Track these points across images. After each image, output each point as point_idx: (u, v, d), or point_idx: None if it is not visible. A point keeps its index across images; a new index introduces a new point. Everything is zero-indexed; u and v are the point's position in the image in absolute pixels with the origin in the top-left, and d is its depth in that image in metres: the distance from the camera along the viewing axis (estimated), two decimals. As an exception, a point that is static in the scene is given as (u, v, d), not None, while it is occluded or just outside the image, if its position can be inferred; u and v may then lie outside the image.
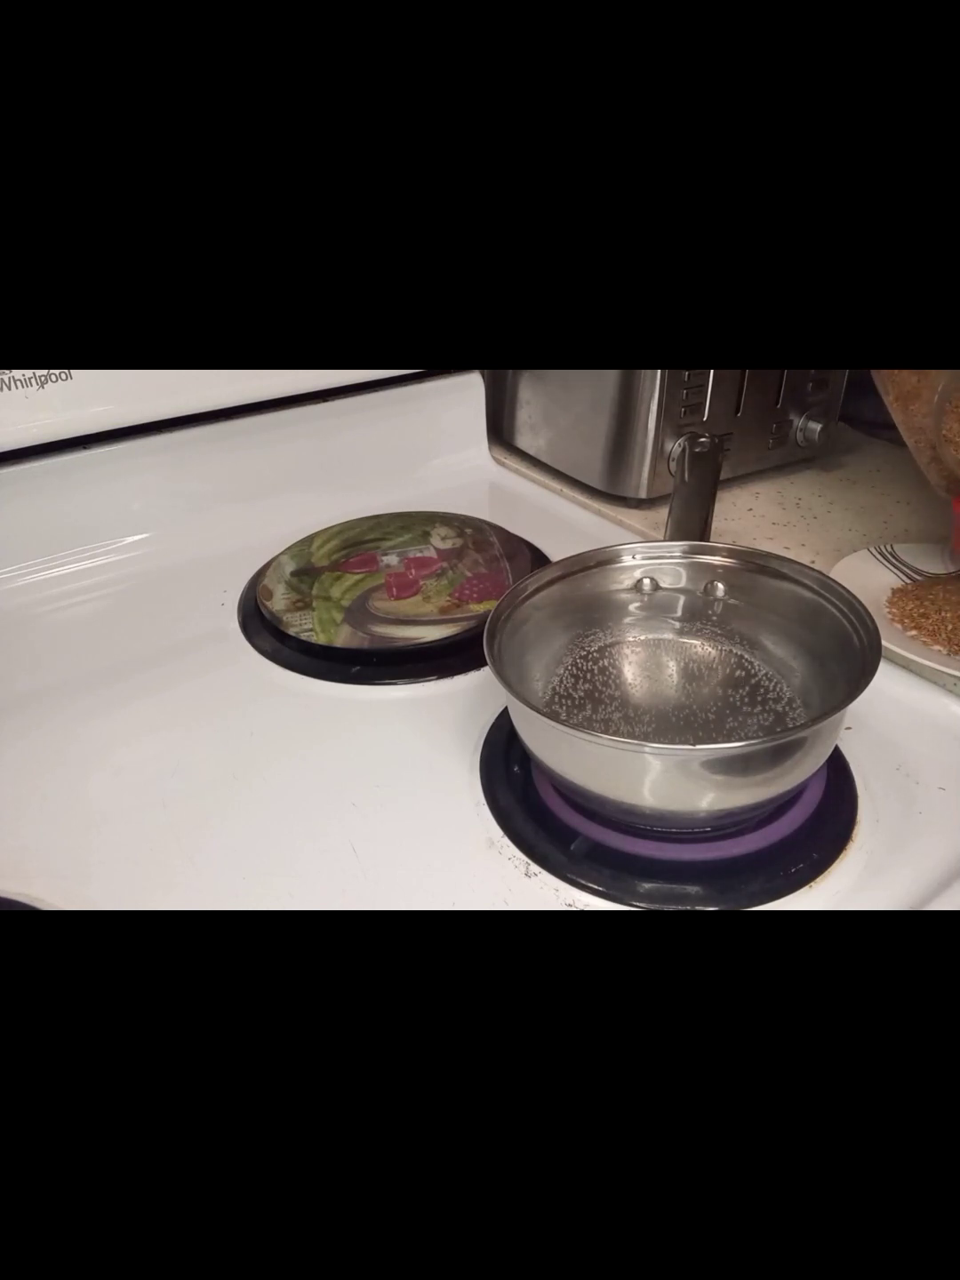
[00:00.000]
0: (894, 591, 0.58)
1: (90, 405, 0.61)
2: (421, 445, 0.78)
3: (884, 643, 0.41)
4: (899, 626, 0.54)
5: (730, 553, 0.49)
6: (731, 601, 0.49)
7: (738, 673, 0.47)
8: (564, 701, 0.47)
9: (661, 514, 0.66)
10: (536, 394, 0.77)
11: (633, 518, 0.71)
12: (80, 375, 0.60)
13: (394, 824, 0.44)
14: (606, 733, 0.43)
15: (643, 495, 0.71)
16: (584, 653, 0.49)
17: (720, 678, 0.48)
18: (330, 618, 0.58)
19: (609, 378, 0.69)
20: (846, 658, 0.42)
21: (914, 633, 0.54)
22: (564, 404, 0.75)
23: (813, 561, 0.55)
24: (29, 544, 0.64)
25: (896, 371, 0.59)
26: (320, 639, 0.56)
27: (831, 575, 0.45)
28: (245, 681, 0.54)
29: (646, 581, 0.49)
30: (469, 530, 0.68)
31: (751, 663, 0.47)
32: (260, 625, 0.59)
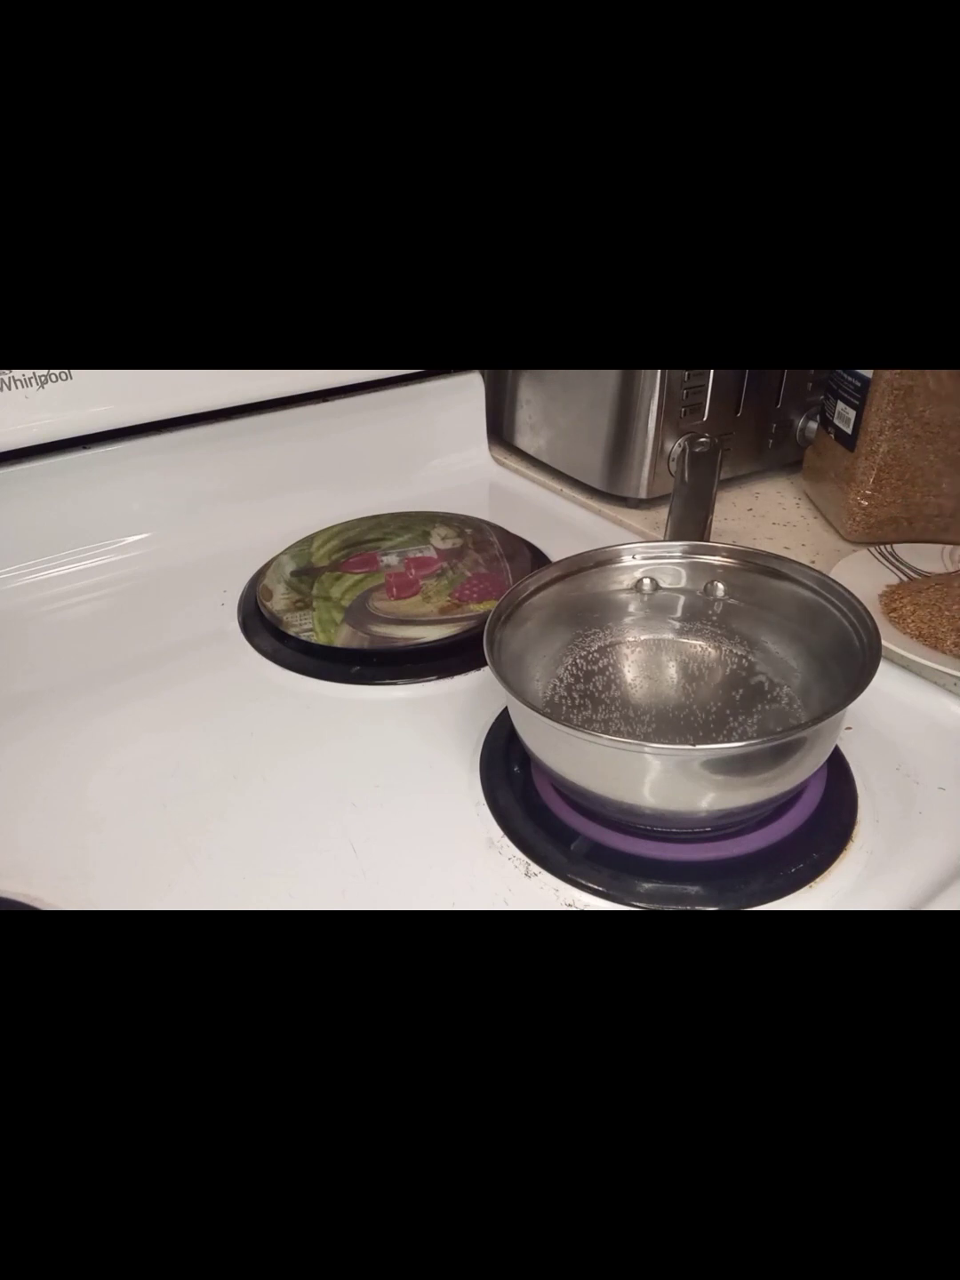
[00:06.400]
0: (894, 591, 0.57)
1: (90, 405, 0.61)
2: (421, 445, 0.78)
3: (884, 643, 0.41)
4: (899, 626, 0.54)
5: (730, 553, 0.49)
6: (731, 601, 0.48)
7: (738, 673, 0.47)
8: (564, 701, 0.47)
9: (661, 514, 0.66)
10: (536, 394, 0.77)
11: (633, 518, 0.71)
12: (80, 375, 0.60)
13: (394, 824, 0.44)
14: (606, 733, 0.43)
15: (643, 495, 0.71)
16: (584, 653, 0.49)
17: (720, 678, 0.48)
18: (330, 618, 0.58)
19: (609, 378, 0.69)
20: (846, 658, 0.42)
21: (914, 632, 0.53)
22: (564, 404, 0.75)
23: (813, 561, 0.55)
24: (29, 544, 0.64)
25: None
26: (320, 639, 0.56)
27: (831, 575, 0.45)
28: (245, 681, 0.54)
29: (646, 581, 0.49)
30: (469, 530, 0.68)
31: (751, 663, 0.47)
32: (260, 625, 0.59)
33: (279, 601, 0.60)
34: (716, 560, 0.49)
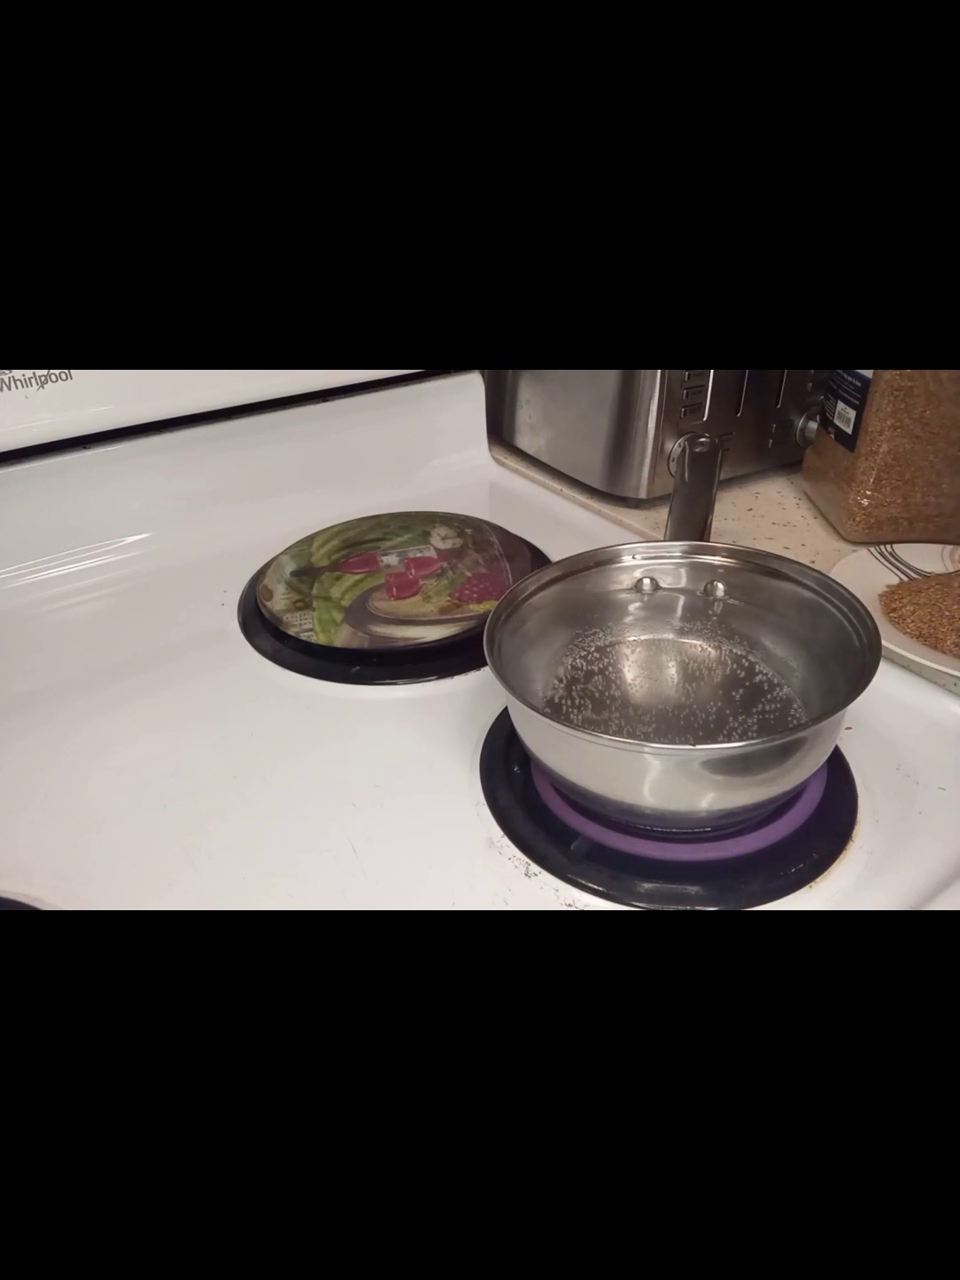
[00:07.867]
0: (894, 591, 0.58)
1: (90, 405, 0.61)
2: (421, 445, 0.78)
3: (884, 643, 0.41)
4: (899, 626, 0.54)
5: (730, 553, 0.49)
6: (731, 601, 0.48)
7: (738, 673, 0.47)
8: (564, 701, 0.47)
9: (661, 514, 0.66)
10: (536, 394, 0.77)
11: (633, 518, 0.71)
12: (80, 375, 0.60)
13: (394, 824, 0.44)
14: (606, 733, 0.43)
15: (643, 495, 0.71)
16: (584, 653, 0.49)
17: (720, 678, 0.48)
18: (330, 618, 0.58)
19: (609, 378, 0.69)
20: (846, 658, 0.42)
21: (914, 632, 0.54)
22: (564, 404, 0.75)
23: (813, 561, 0.55)
24: (29, 544, 0.64)
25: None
26: (320, 639, 0.56)
27: (831, 575, 0.45)
28: (245, 681, 0.54)
29: (646, 581, 0.49)
30: (469, 530, 0.68)
31: (751, 663, 0.47)
32: (260, 625, 0.59)
33: (279, 601, 0.60)
34: (716, 560, 0.49)
